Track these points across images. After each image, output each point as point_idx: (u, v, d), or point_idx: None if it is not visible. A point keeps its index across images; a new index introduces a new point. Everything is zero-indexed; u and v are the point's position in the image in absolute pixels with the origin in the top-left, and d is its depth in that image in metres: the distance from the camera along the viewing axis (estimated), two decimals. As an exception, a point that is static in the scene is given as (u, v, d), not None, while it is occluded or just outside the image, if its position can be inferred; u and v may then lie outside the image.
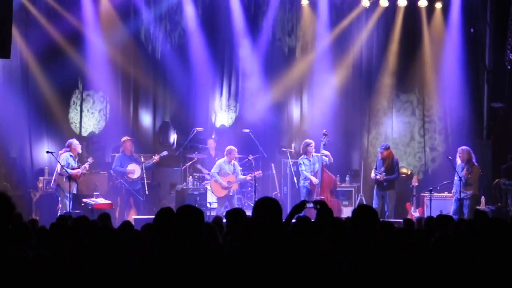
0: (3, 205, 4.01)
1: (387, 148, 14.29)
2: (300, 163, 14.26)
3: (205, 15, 16.77)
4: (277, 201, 4.99)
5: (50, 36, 15.43)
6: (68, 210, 12.68)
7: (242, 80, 17.08)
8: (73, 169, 13.26)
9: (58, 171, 13.40)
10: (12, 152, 15.34)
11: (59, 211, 12.76)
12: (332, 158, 14.30)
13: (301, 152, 14.59)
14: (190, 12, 16.54)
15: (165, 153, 14.85)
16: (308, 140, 14.59)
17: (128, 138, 14.74)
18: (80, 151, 13.75)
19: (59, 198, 13.41)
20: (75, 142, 13.73)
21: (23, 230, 5.54)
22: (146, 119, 16.72)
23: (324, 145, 14.25)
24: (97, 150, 15.90)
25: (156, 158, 14.54)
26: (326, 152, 14.20)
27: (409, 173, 16.37)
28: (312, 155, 14.23)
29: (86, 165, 13.59)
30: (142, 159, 14.72)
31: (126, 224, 7.51)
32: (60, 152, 13.58)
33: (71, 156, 13.43)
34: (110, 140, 16.13)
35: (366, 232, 4.80)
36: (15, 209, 4.13)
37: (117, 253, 4.51)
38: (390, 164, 14.06)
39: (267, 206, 4.89)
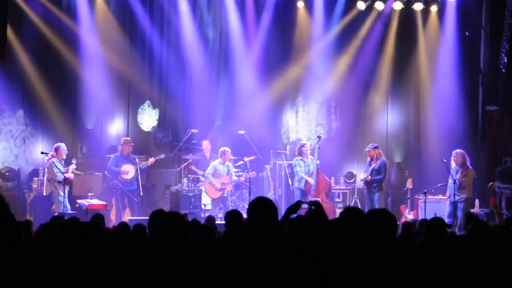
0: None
1: (374, 147, 14.27)
2: (295, 164, 14.22)
3: (201, 16, 16.80)
4: (271, 201, 4.96)
5: (45, 37, 15.44)
6: (64, 211, 12.61)
7: (238, 81, 17.08)
8: (63, 173, 13.20)
9: (48, 178, 13.38)
10: (6, 151, 15.35)
11: (56, 212, 12.67)
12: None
13: (296, 153, 14.55)
14: (185, 13, 16.55)
15: (162, 156, 14.82)
16: (302, 141, 14.61)
17: (128, 139, 14.72)
18: (65, 156, 13.61)
19: (54, 203, 13.34)
20: (63, 146, 13.60)
21: (15, 231, 5.51)
22: (141, 120, 16.68)
23: (319, 148, 14.26)
24: (91, 151, 15.87)
25: (151, 160, 14.53)
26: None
27: (404, 174, 16.33)
28: (307, 157, 14.21)
29: (72, 166, 13.54)
30: (137, 160, 14.68)
31: (123, 225, 7.51)
32: (47, 158, 13.47)
33: (58, 161, 13.36)
34: (105, 141, 16.11)
35: (354, 234, 4.77)
36: (9, 208, 4.11)
37: (110, 254, 4.51)
38: (378, 165, 14.02)
39: (261, 206, 4.85)
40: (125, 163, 14.32)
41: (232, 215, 6.89)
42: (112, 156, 14.62)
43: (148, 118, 16.66)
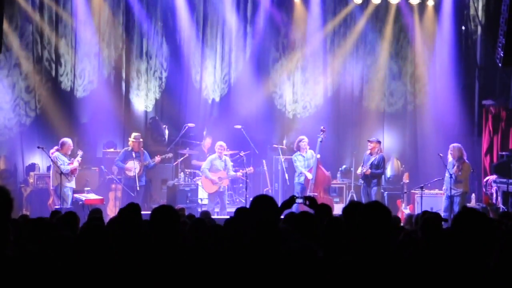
0: (2, 199, 3.95)
1: (376, 141, 14.27)
2: (295, 159, 14.25)
3: (198, 8, 16.75)
4: (273, 198, 4.97)
5: (41, 30, 15.41)
6: (61, 206, 12.60)
7: (235, 75, 17.06)
8: (68, 165, 13.23)
9: (55, 170, 13.30)
10: (3, 148, 15.29)
11: (53, 206, 12.64)
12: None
13: (294, 148, 14.57)
14: (182, 6, 16.50)
15: (170, 154, 14.76)
16: (300, 136, 14.60)
17: (138, 134, 14.55)
18: (69, 152, 13.57)
19: (58, 196, 13.25)
20: (69, 142, 13.58)
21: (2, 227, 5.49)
22: (137, 114, 16.64)
23: (321, 141, 14.24)
24: (87, 145, 15.82)
25: (158, 159, 14.38)
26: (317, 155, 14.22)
27: (401, 168, 16.32)
28: (306, 151, 14.21)
29: (78, 157, 13.52)
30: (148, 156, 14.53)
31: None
32: (52, 151, 13.46)
33: (62, 154, 13.35)
34: (101, 135, 16.06)
35: (358, 229, 4.77)
36: (12, 205, 4.08)
37: (104, 249, 4.51)
38: (377, 160, 14.01)
39: (263, 203, 4.88)
40: (130, 159, 14.24)
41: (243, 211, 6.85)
42: (122, 150, 14.60)
43: (144, 97, 16.57)
